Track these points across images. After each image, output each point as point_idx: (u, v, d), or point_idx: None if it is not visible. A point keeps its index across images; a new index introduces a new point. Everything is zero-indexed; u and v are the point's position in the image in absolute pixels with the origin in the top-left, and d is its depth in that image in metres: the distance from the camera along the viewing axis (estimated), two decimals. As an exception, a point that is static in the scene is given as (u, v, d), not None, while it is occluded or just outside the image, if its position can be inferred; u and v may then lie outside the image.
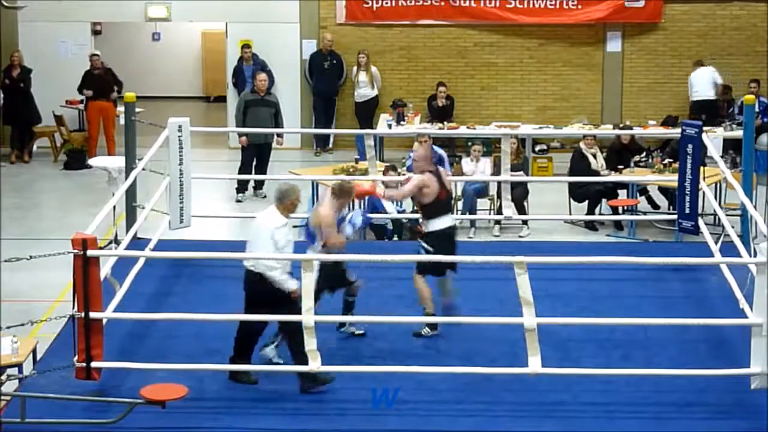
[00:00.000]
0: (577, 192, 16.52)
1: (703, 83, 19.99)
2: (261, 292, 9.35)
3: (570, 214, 16.48)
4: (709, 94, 19.92)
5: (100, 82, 19.82)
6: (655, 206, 16.82)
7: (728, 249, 11.63)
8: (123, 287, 10.72)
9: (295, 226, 16.01)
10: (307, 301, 9.01)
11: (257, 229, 9.58)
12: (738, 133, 15.83)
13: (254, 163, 17.48)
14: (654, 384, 9.37)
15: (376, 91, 20.50)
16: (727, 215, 12.51)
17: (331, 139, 20.93)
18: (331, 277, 9.98)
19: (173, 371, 9.25)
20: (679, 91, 20.72)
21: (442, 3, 20.71)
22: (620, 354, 9.95)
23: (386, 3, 20.77)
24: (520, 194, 15.78)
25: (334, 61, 20.58)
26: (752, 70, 20.48)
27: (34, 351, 10.33)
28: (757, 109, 18.08)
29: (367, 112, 20.50)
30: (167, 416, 8.76)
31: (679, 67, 20.82)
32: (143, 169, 12.22)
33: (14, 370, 9.80)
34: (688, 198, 12.22)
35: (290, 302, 9.26)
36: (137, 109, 13.22)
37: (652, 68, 20.90)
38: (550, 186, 17.52)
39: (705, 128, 12.76)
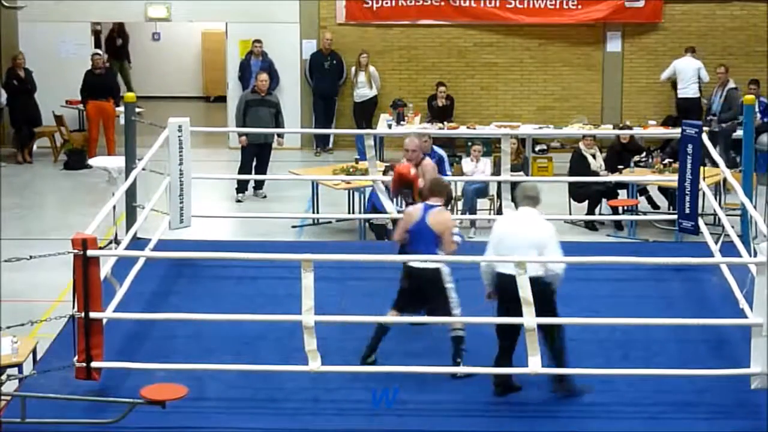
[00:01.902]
0: (577, 192, 16.52)
1: (687, 78, 19.97)
2: (548, 298, 9.19)
3: (570, 214, 16.49)
4: (690, 91, 19.90)
5: (101, 82, 19.82)
6: (655, 206, 16.82)
7: (728, 249, 11.63)
8: (123, 287, 10.71)
9: (294, 227, 16.07)
10: (307, 301, 8.99)
11: (549, 231, 9.25)
12: (738, 133, 15.83)
13: (254, 163, 17.48)
14: (654, 384, 9.37)
15: (375, 92, 20.51)
16: (727, 215, 12.51)
17: (331, 139, 20.94)
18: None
19: (173, 371, 9.24)
20: (679, 91, 20.74)
21: (442, 3, 20.72)
22: (620, 354, 9.94)
23: (386, 3, 20.78)
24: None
25: (334, 61, 20.59)
26: (752, 70, 20.47)
27: (34, 351, 10.33)
28: (757, 109, 18.13)
29: (365, 113, 20.51)
30: (167, 416, 8.76)
31: (679, 67, 20.83)
32: (143, 169, 12.22)
33: (14, 370, 9.80)
34: (688, 198, 12.22)
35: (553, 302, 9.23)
36: (137, 109, 13.22)
37: (652, 68, 20.90)
38: (550, 186, 17.45)
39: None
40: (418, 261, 9.81)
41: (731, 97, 18.98)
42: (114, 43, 24.77)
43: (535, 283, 8.99)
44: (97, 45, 23.09)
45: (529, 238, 9.16)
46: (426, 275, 9.60)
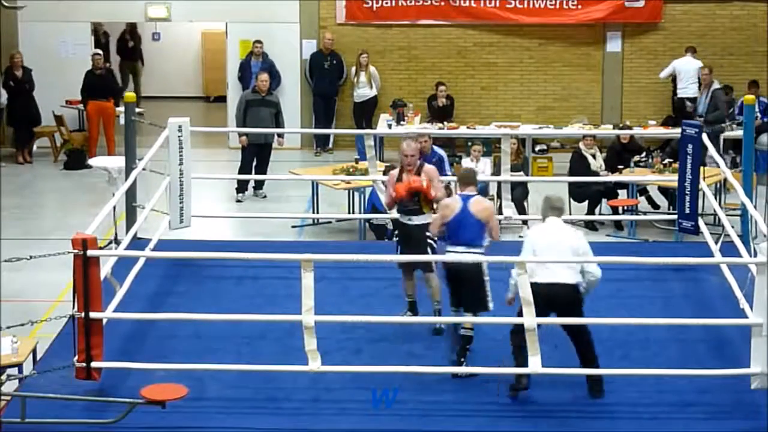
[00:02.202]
0: (577, 192, 16.52)
1: (687, 78, 19.99)
2: (580, 306, 9.35)
3: (570, 214, 16.48)
4: (690, 91, 19.92)
5: (101, 82, 19.82)
6: (655, 206, 16.81)
7: (728, 249, 11.63)
8: (123, 287, 10.72)
9: (294, 227, 16.07)
10: (307, 301, 9.00)
11: (583, 238, 9.45)
12: (738, 133, 15.83)
13: (254, 163, 17.47)
14: (654, 384, 9.38)
15: (375, 92, 20.51)
16: (727, 215, 12.51)
17: (331, 139, 20.94)
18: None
19: (173, 371, 9.25)
20: (679, 91, 20.74)
21: (442, 3, 20.72)
22: (620, 354, 9.95)
23: (386, 3, 20.77)
24: (520, 194, 15.78)
25: (335, 61, 20.59)
26: (752, 70, 20.48)
27: (34, 351, 10.32)
28: (757, 109, 18.12)
29: (366, 113, 20.51)
30: (167, 416, 8.77)
31: (679, 67, 20.83)
32: (143, 169, 12.22)
33: (14, 370, 9.80)
34: (688, 198, 12.23)
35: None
36: (137, 110, 13.23)
37: (652, 68, 20.89)
38: (550, 186, 17.47)
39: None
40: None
41: (716, 97, 18.96)
42: (126, 44, 24.84)
43: (573, 289, 9.18)
44: (104, 46, 23.10)
45: (570, 245, 9.30)
46: (469, 269, 9.58)
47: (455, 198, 10.00)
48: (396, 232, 10.98)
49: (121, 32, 24.59)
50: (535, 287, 9.04)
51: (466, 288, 9.64)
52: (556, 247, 9.26)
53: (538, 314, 9.02)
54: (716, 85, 19.25)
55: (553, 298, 9.15)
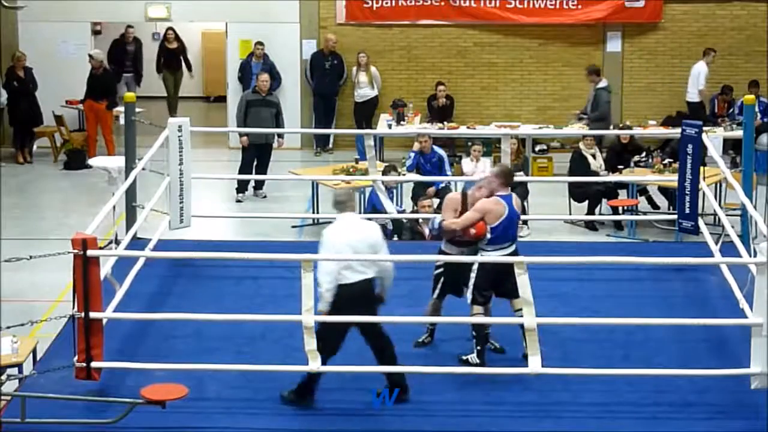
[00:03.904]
0: (577, 192, 16.52)
1: (691, 82, 20.03)
2: (377, 299, 9.32)
3: (570, 214, 16.49)
4: (691, 96, 19.98)
5: (98, 83, 19.78)
6: (655, 206, 16.82)
7: (728, 249, 11.63)
8: (123, 287, 10.71)
9: (294, 227, 16.07)
10: (307, 301, 9.00)
11: (379, 232, 9.33)
12: (738, 133, 15.84)
13: (255, 163, 17.48)
14: (654, 384, 9.37)
15: (376, 92, 20.52)
16: (727, 215, 12.51)
17: (331, 139, 20.94)
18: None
19: (173, 371, 9.24)
20: (679, 91, 20.73)
21: (442, 3, 20.72)
22: (620, 354, 9.94)
23: (386, 3, 20.78)
24: (520, 194, 15.72)
25: (335, 61, 20.59)
26: (752, 70, 20.48)
27: (34, 351, 10.33)
28: (757, 109, 18.12)
29: (366, 113, 20.52)
30: (167, 416, 8.76)
31: (679, 67, 20.83)
32: (143, 169, 12.22)
33: (14, 370, 9.81)
34: (688, 198, 12.22)
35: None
36: (137, 109, 13.22)
37: (652, 68, 20.91)
38: (550, 186, 17.53)
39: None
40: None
41: (599, 97, 18.89)
42: (166, 50, 23.05)
43: (371, 283, 9.14)
44: (134, 54, 22.56)
45: (368, 240, 9.21)
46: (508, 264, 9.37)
47: (497, 200, 9.74)
48: (439, 263, 10.10)
49: (162, 37, 23.35)
50: (349, 288, 9.02)
51: (513, 279, 9.38)
52: (359, 243, 9.13)
53: (348, 314, 9.00)
54: (602, 84, 19.07)
55: (366, 294, 9.13)
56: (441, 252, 10.03)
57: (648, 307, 10.94)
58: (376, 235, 9.28)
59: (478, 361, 9.62)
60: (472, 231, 9.67)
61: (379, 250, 9.26)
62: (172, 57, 23.01)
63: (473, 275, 9.68)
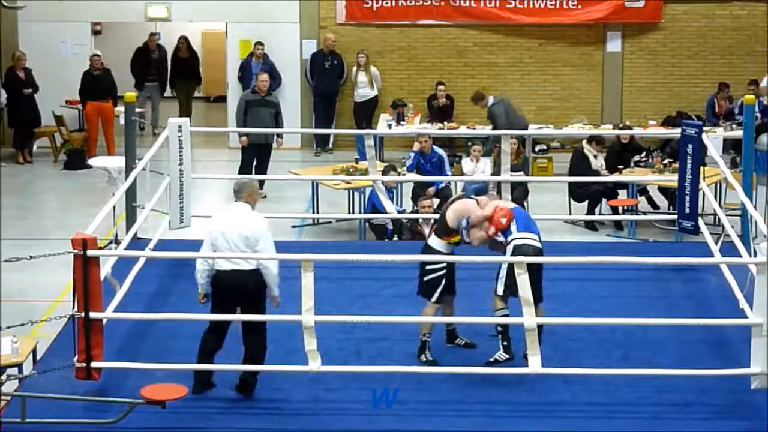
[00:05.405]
0: (577, 192, 16.52)
1: None
2: (261, 294, 9.34)
3: (570, 214, 16.49)
4: None
5: (99, 83, 19.82)
6: (655, 206, 16.82)
7: (728, 249, 11.63)
8: (123, 287, 10.72)
9: (294, 227, 16.08)
10: (307, 301, 9.00)
11: (262, 226, 9.34)
12: (738, 133, 15.84)
13: (254, 163, 17.48)
14: (654, 384, 9.37)
15: (376, 92, 20.52)
16: (727, 215, 12.51)
17: (331, 139, 20.94)
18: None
19: (173, 371, 9.24)
20: (679, 90, 20.74)
21: (442, 3, 20.72)
22: (620, 354, 9.95)
23: (386, 3, 20.78)
24: (520, 194, 15.77)
25: (335, 61, 20.59)
26: (752, 70, 20.48)
27: (34, 351, 10.33)
28: (757, 109, 18.11)
29: (366, 113, 20.52)
30: (167, 416, 8.77)
31: (679, 67, 20.84)
32: (143, 169, 12.22)
33: (14, 370, 9.81)
34: (688, 198, 12.22)
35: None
36: (137, 109, 13.23)
37: (652, 68, 20.91)
38: (550, 186, 17.52)
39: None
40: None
41: (491, 114, 18.30)
42: (180, 60, 22.90)
43: (252, 275, 9.17)
44: (158, 61, 22.27)
45: (243, 233, 9.23)
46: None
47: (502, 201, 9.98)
48: (442, 264, 9.94)
49: (174, 48, 23.08)
50: (222, 276, 9.19)
51: (538, 274, 9.49)
52: (231, 235, 9.24)
53: (224, 304, 9.19)
54: (491, 101, 18.45)
55: (239, 285, 9.17)
56: (435, 251, 9.96)
57: (648, 307, 10.94)
58: (253, 229, 9.25)
59: (507, 356, 9.60)
60: (503, 220, 9.68)
61: (255, 245, 9.23)
62: (185, 67, 22.88)
63: (504, 268, 9.56)
